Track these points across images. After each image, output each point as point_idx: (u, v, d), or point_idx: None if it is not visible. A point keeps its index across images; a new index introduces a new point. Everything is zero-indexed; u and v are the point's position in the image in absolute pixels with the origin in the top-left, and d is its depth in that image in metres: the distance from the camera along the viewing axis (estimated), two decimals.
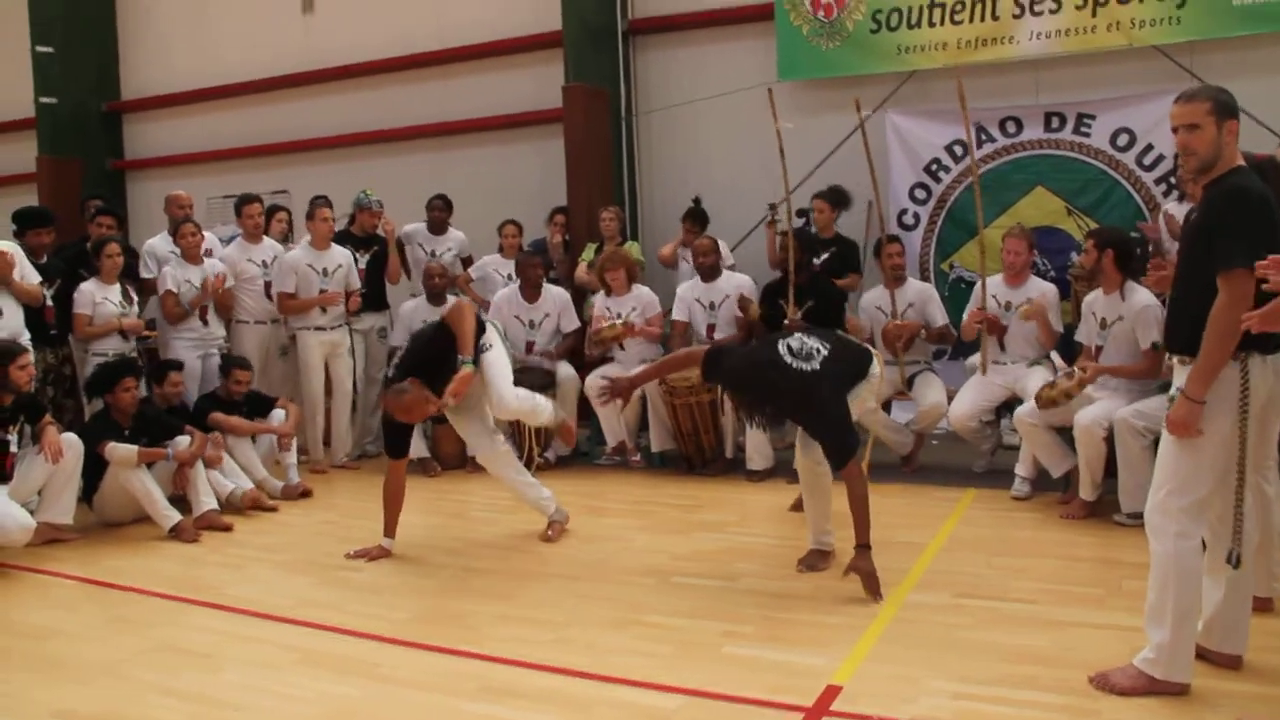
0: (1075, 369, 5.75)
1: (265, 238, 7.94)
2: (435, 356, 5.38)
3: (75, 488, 6.11)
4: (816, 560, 4.99)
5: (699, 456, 7.23)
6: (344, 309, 7.73)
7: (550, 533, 5.70)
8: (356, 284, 7.81)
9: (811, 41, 8.44)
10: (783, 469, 6.89)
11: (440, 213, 8.67)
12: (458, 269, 8.65)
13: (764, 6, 8.64)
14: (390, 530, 5.59)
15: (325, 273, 7.59)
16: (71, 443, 5.98)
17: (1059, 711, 3.35)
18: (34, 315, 6.63)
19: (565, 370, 7.60)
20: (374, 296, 8.16)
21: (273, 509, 6.54)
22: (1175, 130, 3.39)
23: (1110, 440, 5.47)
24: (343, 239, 8.06)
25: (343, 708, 3.69)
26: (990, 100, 7.84)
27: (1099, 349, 5.83)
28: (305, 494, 6.89)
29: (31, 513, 5.76)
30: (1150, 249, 6.73)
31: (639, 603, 4.60)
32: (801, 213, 7.94)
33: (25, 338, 6.34)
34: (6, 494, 5.69)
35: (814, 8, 8.38)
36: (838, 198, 7.70)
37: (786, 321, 6.84)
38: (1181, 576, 3.34)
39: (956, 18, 7.92)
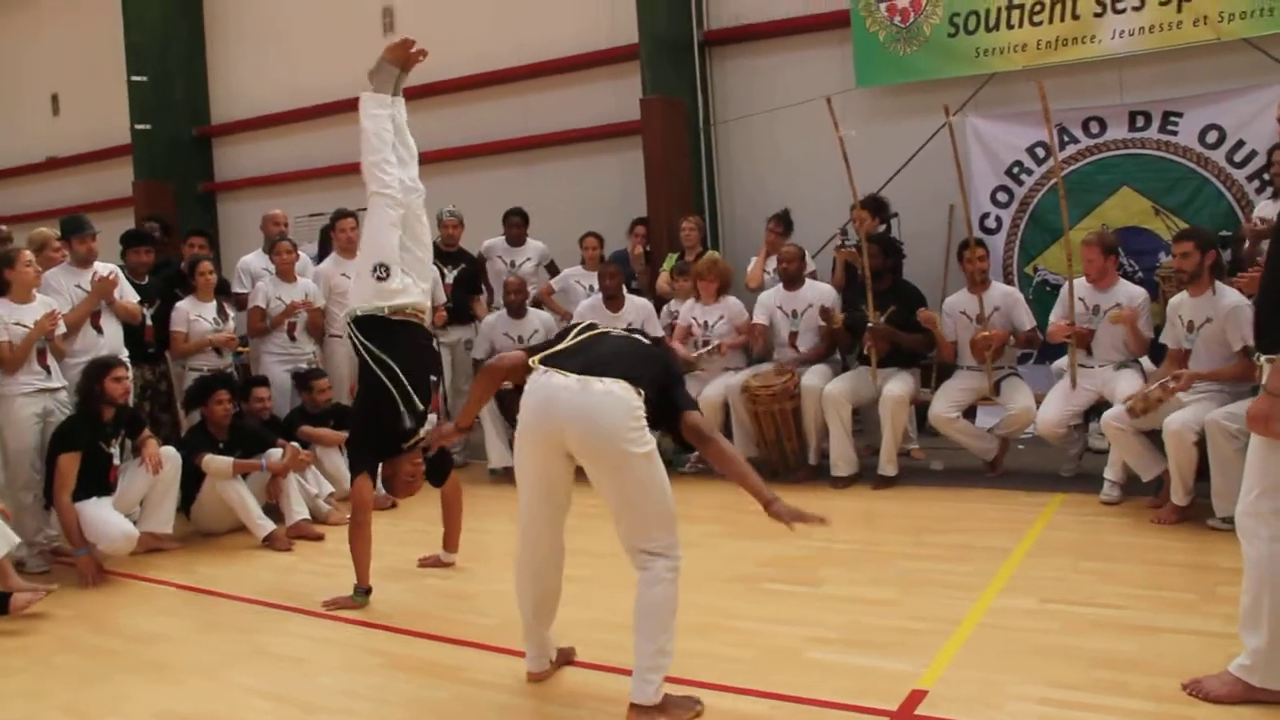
0: (1168, 380, 5.62)
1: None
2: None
3: (174, 498, 6.32)
4: None
5: (783, 463, 7.22)
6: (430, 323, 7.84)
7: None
8: (441, 298, 7.93)
9: (889, 47, 8.41)
10: (867, 474, 6.87)
11: (517, 227, 8.78)
12: (539, 278, 8.75)
13: (840, 14, 8.64)
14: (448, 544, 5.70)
15: None
16: (170, 455, 6.19)
17: (1150, 719, 3.30)
18: (133, 334, 6.89)
19: None
20: (459, 310, 8.28)
21: (319, 537, 6.44)
22: None
23: (1202, 444, 5.35)
24: None
25: (430, 712, 3.77)
26: (1072, 101, 7.74)
27: (1187, 352, 5.72)
28: (393, 505, 7.01)
29: (134, 523, 5.97)
30: (1246, 249, 6.56)
31: (724, 608, 4.61)
32: (885, 220, 7.90)
33: (124, 355, 6.56)
34: (111, 504, 5.90)
35: (890, 13, 8.36)
36: (878, 206, 7.66)
37: (869, 327, 6.82)
38: (1276, 580, 3.25)
39: (1036, 18, 7.84)
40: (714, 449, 3.63)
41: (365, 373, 5.05)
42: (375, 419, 5.03)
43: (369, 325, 5.02)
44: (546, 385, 3.50)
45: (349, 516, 5.28)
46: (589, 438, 3.41)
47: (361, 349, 5.03)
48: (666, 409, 3.60)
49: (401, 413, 4.98)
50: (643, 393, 3.41)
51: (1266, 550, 3.28)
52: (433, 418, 5.25)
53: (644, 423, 3.40)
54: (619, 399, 3.37)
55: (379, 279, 5.00)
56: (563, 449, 3.54)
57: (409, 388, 4.99)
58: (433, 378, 5.26)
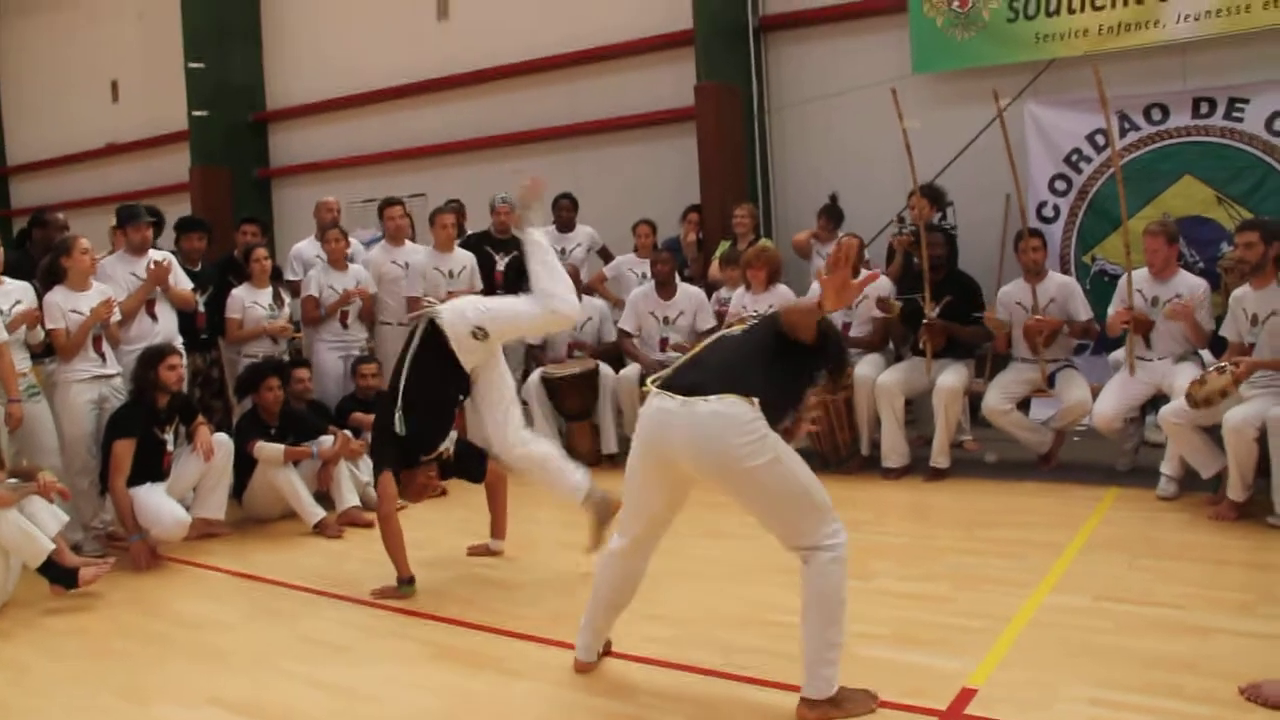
0: (1227, 364, 5.48)
1: (408, 241, 8.14)
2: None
3: (227, 485, 6.38)
4: None
5: (835, 454, 7.15)
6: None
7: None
8: (479, 285, 7.93)
9: (946, 33, 8.28)
10: (919, 466, 6.79)
11: (568, 211, 8.78)
12: (590, 262, 8.77)
13: None
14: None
15: (450, 274, 7.72)
16: (222, 442, 6.25)
17: None
18: (186, 320, 6.98)
19: None
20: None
21: (369, 524, 6.34)
22: None
23: (1263, 439, 5.23)
24: (482, 240, 8.24)
25: (475, 702, 3.77)
26: (1134, 87, 7.58)
27: (1250, 346, 5.58)
28: (443, 493, 7.03)
29: (187, 509, 6.04)
30: None
31: (771, 602, 4.57)
32: (942, 208, 7.79)
33: (179, 342, 6.64)
34: (164, 490, 5.98)
35: None
36: (935, 195, 7.56)
37: (925, 320, 6.73)
38: None
39: (1097, 3, 7.68)
40: None
41: (395, 374, 5.14)
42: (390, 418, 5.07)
43: (433, 341, 5.07)
44: (657, 411, 3.43)
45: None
46: (702, 461, 3.35)
47: (414, 346, 5.10)
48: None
49: (396, 418, 5.01)
50: (756, 400, 3.28)
51: None
52: (454, 434, 5.38)
53: (760, 431, 3.27)
54: (727, 417, 3.26)
55: (474, 336, 5.09)
56: (679, 472, 3.50)
57: (412, 405, 5.04)
58: (460, 396, 5.32)
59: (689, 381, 3.41)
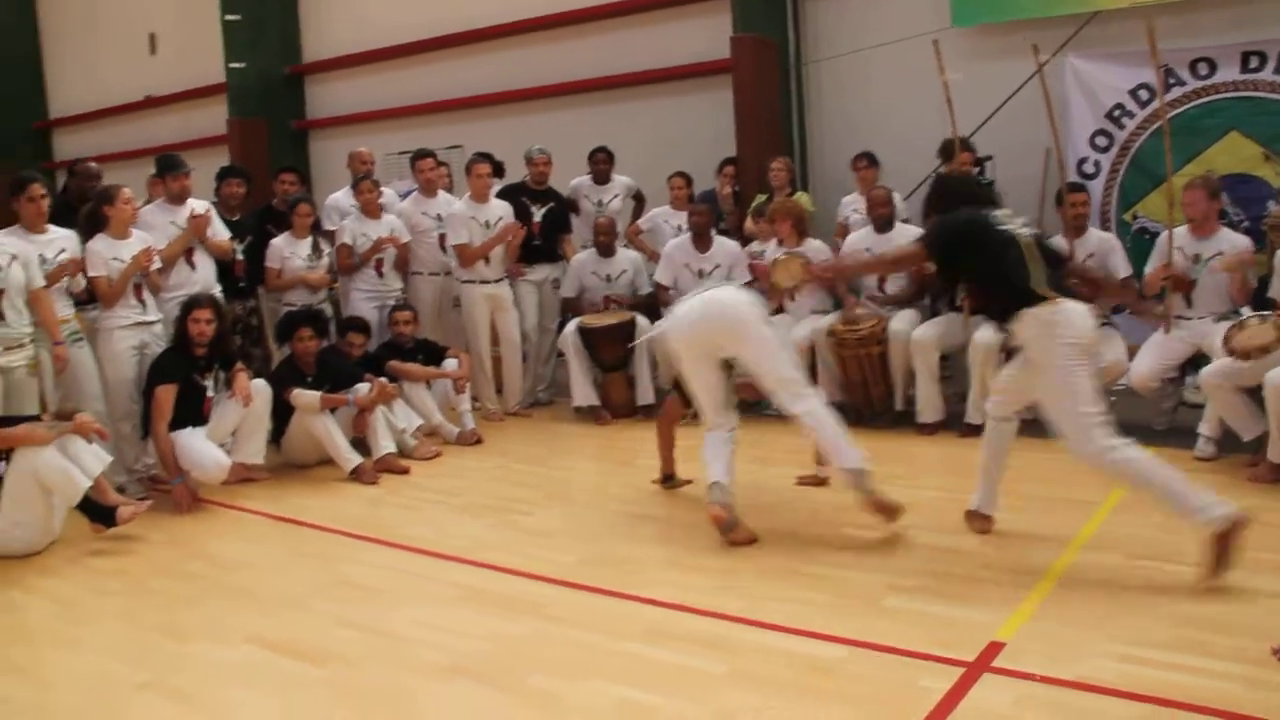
0: (1272, 315, 5.38)
1: (441, 192, 8.16)
2: None
3: (265, 430, 6.47)
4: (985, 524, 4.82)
5: (869, 408, 7.12)
6: (506, 265, 7.94)
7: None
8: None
9: None
10: (954, 421, 6.77)
11: (604, 165, 8.75)
12: (626, 210, 8.76)
13: None
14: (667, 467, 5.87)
15: (487, 224, 7.74)
16: (260, 388, 6.33)
17: (1234, 681, 3.21)
18: (225, 269, 7.04)
19: None
20: (547, 248, 8.30)
21: (405, 470, 6.49)
22: None
23: None
24: (518, 191, 8.25)
25: (509, 645, 3.83)
26: (1179, 40, 7.41)
27: None
28: (478, 441, 7.10)
29: (227, 453, 6.13)
30: None
31: (803, 553, 4.60)
32: (978, 161, 7.71)
33: (217, 290, 6.71)
34: (205, 435, 6.07)
35: None
36: (968, 150, 7.47)
37: None
38: None
39: None
40: None
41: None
42: None
43: None
44: None
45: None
46: None
47: None
48: None
49: None
50: None
51: None
52: None
53: None
54: None
55: None
56: None
57: None
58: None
59: None
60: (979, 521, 4.80)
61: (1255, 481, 5.35)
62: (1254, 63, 7.32)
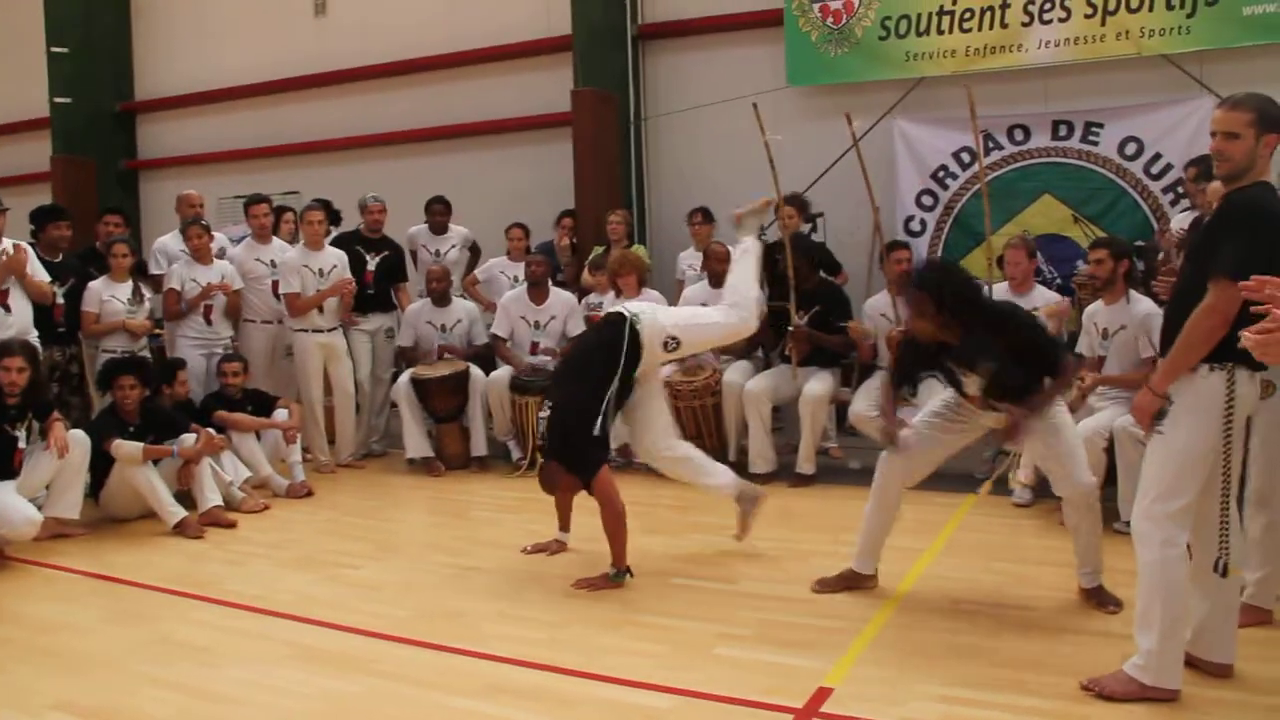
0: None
1: (274, 238, 8.00)
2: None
3: (82, 483, 6.16)
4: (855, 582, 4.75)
5: None
6: (340, 314, 7.80)
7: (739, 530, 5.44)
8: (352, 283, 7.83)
9: (820, 48, 8.47)
10: (785, 472, 6.91)
11: (441, 215, 8.72)
12: (463, 264, 8.72)
13: (773, 12, 8.68)
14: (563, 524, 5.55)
15: (321, 273, 7.61)
16: (79, 439, 6.03)
17: (1048, 716, 3.37)
18: (44, 313, 6.72)
19: None
20: (381, 297, 8.20)
21: (231, 524, 6.28)
22: (1214, 134, 3.31)
23: (1111, 450, 5.46)
24: (352, 240, 8.14)
25: (339, 704, 3.73)
26: (998, 108, 7.85)
27: (1101, 359, 5.82)
28: (309, 493, 6.93)
29: (39, 508, 5.82)
30: (1160, 259, 6.70)
31: (635, 603, 4.63)
32: (810, 219, 7.96)
33: (33, 335, 6.40)
34: (14, 489, 5.74)
35: (823, 14, 8.42)
36: (802, 205, 7.76)
37: (790, 328, 6.86)
38: (1168, 585, 3.35)
39: (965, 25, 7.95)
40: None
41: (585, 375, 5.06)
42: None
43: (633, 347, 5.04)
44: None
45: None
46: None
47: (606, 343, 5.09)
48: None
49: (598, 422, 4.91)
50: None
51: (1159, 555, 3.37)
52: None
53: None
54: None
55: (665, 347, 5.14)
56: None
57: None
58: None
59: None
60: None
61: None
62: (1063, 131, 7.81)
